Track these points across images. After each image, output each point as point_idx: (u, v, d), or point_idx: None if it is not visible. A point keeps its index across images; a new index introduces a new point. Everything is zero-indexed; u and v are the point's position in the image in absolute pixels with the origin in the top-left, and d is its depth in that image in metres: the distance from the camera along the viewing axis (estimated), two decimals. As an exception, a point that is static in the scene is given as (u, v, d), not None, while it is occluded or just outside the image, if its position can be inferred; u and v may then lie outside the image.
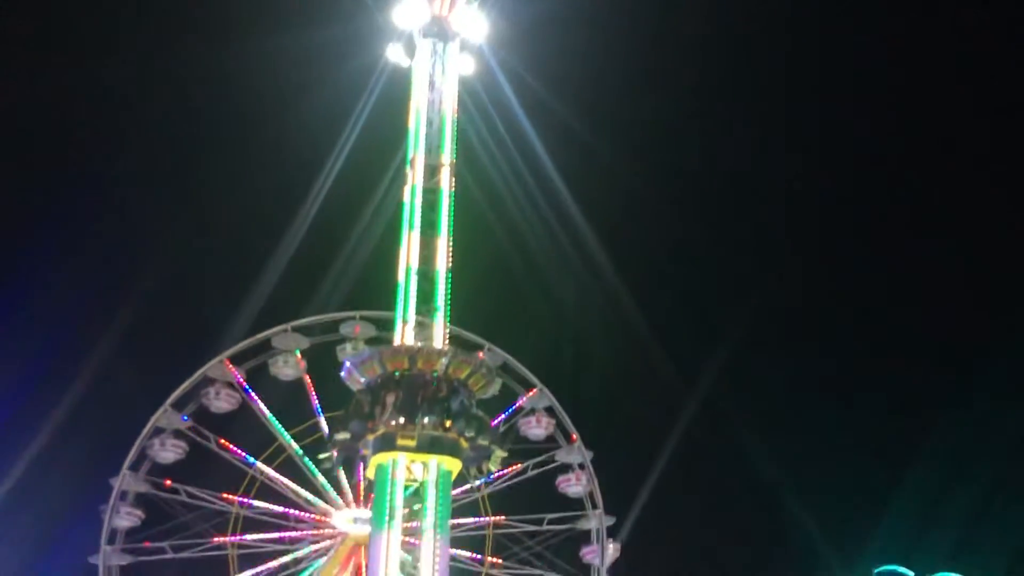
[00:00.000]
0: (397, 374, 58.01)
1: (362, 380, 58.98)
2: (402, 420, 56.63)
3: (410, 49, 69.98)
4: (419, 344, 59.00)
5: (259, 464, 78.93)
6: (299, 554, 78.60)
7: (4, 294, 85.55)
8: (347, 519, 78.40)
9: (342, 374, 60.97)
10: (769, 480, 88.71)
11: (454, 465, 58.21)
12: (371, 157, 73.62)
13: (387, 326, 70.00)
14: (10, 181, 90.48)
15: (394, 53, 70.41)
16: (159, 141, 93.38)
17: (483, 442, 58.52)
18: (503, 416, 78.15)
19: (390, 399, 56.81)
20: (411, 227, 65.29)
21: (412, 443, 56.23)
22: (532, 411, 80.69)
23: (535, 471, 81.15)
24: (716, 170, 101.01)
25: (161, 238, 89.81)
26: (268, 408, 79.67)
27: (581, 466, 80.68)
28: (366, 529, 71.48)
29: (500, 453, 60.93)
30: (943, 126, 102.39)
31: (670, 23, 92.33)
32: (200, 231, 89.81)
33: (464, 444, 57.76)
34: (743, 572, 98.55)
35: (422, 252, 64.05)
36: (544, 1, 75.00)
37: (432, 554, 55.75)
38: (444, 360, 58.13)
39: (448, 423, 57.13)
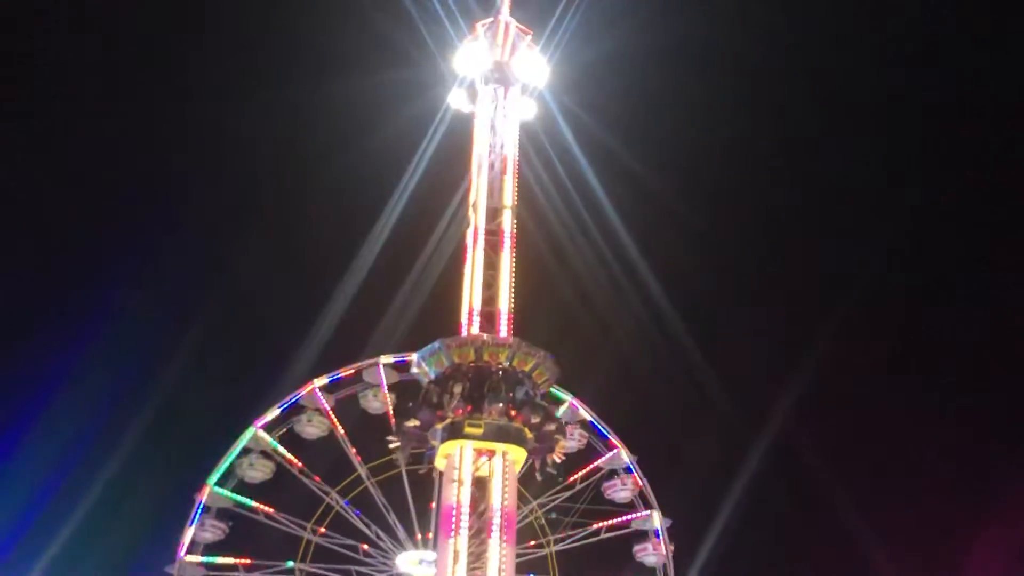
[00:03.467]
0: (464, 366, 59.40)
1: (431, 373, 59.81)
2: (469, 408, 57.94)
3: (472, 95, 72.00)
4: (484, 336, 60.56)
5: (335, 494, 79.12)
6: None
7: (87, 318, 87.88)
8: (411, 561, 78.00)
9: (412, 369, 61.47)
10: (844, 524, 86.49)
11: (519, 455, 58.98)
12: (434, 197, 75.22)
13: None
14: (85, 218, 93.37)
15: (456, 99, 72.47)
16: (228, 178, 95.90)
17: (548, 428, 59.43)
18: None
19: (457, 389, 58.21)
20: (473, 269, 65.87)
21: (479, 431, 57.38)
22: (614, 472, 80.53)
23: (608, 534, 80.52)
24: (781, 209, 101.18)
25: (233, 267, 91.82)
26: (352, 440, 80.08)
27: (657, 533, 79.69)
28: (431, 571, 72.28)
29: (564, 443, 61.65)
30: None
31: (731, 64, 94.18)
32: (269, 264, 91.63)
33: (529, 434, 58.78)
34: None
35: (485, 294, 64.69)
36: (604, 44, 77.59)
37: (499, 546, 55.61)
38: (509, 352, 59.66)
39: (513, 412, 58.23)
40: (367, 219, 78.96)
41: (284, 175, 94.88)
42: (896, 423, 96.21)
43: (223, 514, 77.00)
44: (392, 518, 78.74)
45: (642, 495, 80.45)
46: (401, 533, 78.59)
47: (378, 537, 78.50)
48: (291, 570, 77.83)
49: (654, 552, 79.17)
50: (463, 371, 58.60)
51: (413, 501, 78.17)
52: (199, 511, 75.99)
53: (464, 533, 57.36)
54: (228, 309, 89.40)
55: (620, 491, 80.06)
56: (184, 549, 75.64)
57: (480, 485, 58.46)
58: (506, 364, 59.13)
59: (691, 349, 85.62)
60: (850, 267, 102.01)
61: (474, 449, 57.86)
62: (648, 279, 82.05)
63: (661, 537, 79.14)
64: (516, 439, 57.94)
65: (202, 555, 76.30)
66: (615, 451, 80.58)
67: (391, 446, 61.73)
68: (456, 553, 56.99)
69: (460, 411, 57.59)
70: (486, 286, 65.13)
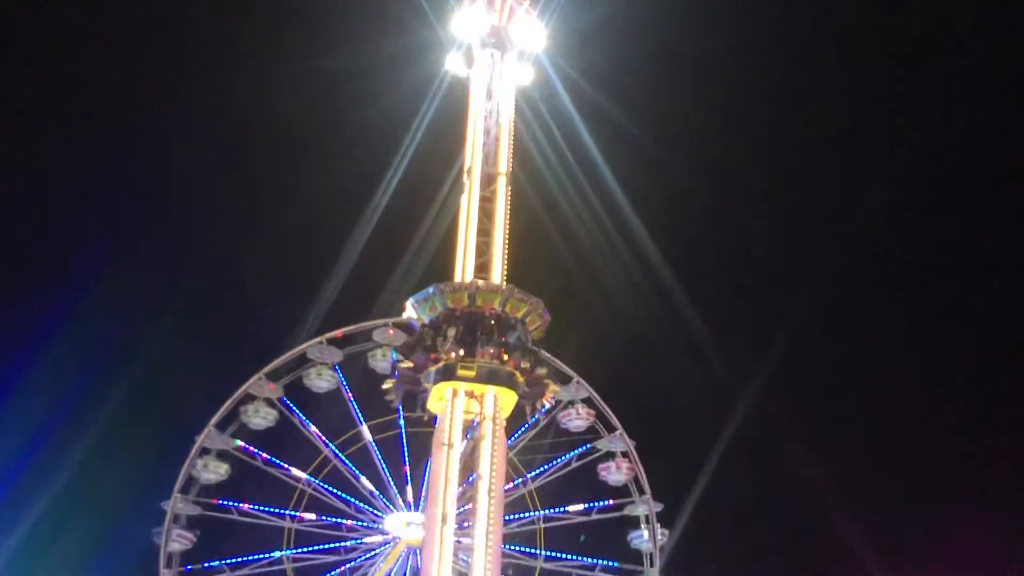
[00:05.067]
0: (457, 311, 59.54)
1: (425, 318, 60.10)
2: (462, 352, 58.17)
3: (469, 59, 71.70)
4: (479, 282, 60.81)
5: (307, 477, 79.37)
6: (356, 564, 78.47)
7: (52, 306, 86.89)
8: (400, 523, 78.50)
9: (405, 315, 61.62)
10: (822, 482, 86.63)
11: (510, 398, 59.07)
12: (431, 165, 75.29)
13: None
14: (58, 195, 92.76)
15: (453, 63, 72.16)
16: (223, 150, 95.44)
17: (539, 372, 59.97)
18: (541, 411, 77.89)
19: (451, 332, 58.48)
20: (468, 236, 65.72)
21: (471, 374, 57.64)
22: (571, 403, 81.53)
23: (579, 463, 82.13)
24: (774, 171, 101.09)
25: (217, 245, 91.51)
26: (310, 420, 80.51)
27: (624, 454, 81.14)
28: (419, 533, 72.75)
29: (554, 387, 62.35)
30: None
31: (727, 28, 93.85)
32: (260, 239, 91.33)
33: (520, 379, 59.28)
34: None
35: (478, 260, 64.58)
36: (601, 9, 77.16)
37: (488, 493, 55.93)
38: (501, 297, 59.96)
39: (505, 356, 58.69)
40: (365, 187, 79.12)
41: (280, 146, 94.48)
42: (883, 387, 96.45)
43: (192, 522, 76.87)
44: (368, 488, 79.00)
45: (602, 418, 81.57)
46: (379, 502, 78.85)
47: (357, 511, 78.69)
48: (279, 560, 78.01)
49: (617, 471, 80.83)
50: (457, 315, 58.93)
51: (387, 467, 79.37)
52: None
53: (453, 495, 57.31)
54: (226, 286, 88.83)
55: (575, 420, 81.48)
56: (162, 564, 75.75)
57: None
58: (499, 310, 59.42)
59: (688, 313, 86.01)
60: (844, 230, 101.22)
61: (465, 392, 58.02)
62: (645, 242, 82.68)
63: (629, 456, 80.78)
64: (507, 382, 58.27)
65: (181, 566, 76.46)
66: (572, 381, 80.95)
67: (384, 387, 61.90)
68: (444, 516, 56.89)
69: (453, 354, 57.97)
70: (479, 253, 64.87)
